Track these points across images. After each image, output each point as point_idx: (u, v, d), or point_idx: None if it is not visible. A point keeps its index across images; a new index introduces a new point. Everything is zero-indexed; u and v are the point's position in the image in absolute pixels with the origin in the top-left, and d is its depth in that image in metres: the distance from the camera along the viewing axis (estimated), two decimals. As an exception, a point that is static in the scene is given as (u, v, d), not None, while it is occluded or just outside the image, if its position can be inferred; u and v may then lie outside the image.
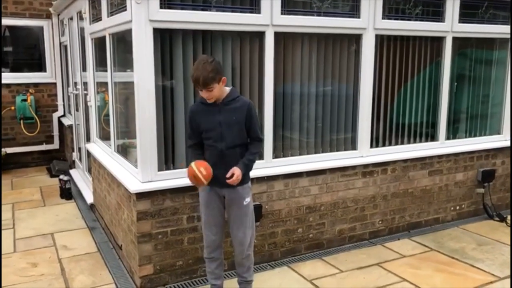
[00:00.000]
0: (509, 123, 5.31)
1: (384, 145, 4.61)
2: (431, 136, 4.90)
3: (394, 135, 4.68)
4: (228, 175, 2.97)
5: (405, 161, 4.59)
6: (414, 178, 4.68)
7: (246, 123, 3.06)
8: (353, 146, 4.41)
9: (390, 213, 4.60)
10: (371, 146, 4.47)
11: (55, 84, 7.57)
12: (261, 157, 3.96)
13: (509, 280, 3.75)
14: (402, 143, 4.72)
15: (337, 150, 4.35)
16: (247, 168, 3.10)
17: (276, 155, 4.03)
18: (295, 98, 4.13)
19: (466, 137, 5.15)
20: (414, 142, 4.79)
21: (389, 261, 4.09)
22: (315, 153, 4.24)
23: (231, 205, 3.14)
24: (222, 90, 3.00)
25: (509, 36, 5.12)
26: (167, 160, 3.67)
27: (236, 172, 2.98)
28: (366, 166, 4.37)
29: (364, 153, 4.41)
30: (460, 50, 4.98)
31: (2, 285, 3.64)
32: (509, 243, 4.48)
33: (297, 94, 4.12)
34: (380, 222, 4.56)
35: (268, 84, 3.88)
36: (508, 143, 5.26)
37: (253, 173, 3.80)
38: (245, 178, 3.10)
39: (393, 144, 4.66)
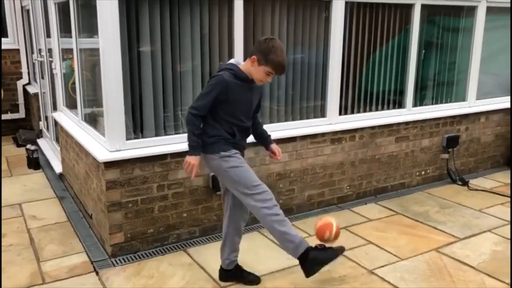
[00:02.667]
0: (474, 90, 5.45)
1: (352, 112, 4.67)
2: (399, 103, 4.99)
3: (363, 103, 4.75)
4: (277, 153, 3.20)
5: (372, 128, 4.68)
6: (381, 145, 4.79)
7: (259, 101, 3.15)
8: (323, 114, 4.46)
9: (357, 178, 4.72)
10: (340, 114, 4.53)
11: (18, 50, 7.29)
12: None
13: (468, 240, 3.94)
14: (370, 110, 4.79)
15: (307, 118, 4.39)
16: None
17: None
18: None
19: (432, 104, 5.27)
20: (382, 109, 4.87)
21: (356, 224, 4.23)
22: (285, 121, 4.28)
23: None
24: None
25: (476, 4, 5.19)
26: (135, 129, 3.63)
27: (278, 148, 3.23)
28: (335, 133, 4.44)
29: (333, 121, 4.47)
30: (429, 18, 5.02)
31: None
32: (471, 205, 4.68)
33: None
34: (348, 187, 4.68)
35: (238, 50, 3.84)
36: (471, 110, 5.41)
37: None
38: None
39: (362, 112, 4.73)
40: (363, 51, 4.64)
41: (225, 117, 2.89)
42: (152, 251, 3.68)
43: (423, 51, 5.09)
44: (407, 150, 5.00)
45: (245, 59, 3.84)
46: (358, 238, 3.96)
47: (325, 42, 4.34)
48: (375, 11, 4.60)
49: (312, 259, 2.99)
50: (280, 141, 4.10)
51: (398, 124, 4.85)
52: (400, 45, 4.87)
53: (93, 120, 4.18)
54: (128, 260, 3.54)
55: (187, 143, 2.86)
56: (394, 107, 4.95)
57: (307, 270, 3.02)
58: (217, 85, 2.81)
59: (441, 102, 5.35)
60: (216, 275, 3.31)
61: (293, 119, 4.33)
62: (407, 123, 4.91)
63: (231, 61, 2.97)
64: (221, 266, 3.28)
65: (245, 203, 2.98)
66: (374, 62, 4.76)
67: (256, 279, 3.27)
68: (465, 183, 5.26)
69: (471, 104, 5.47)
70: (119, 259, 3.54)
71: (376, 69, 4.78)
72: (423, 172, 5.21)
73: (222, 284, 3.25)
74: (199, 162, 2.87)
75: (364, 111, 4.75)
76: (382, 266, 3.51)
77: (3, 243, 3.81)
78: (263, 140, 3.25)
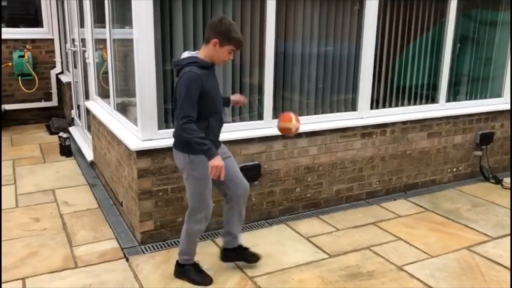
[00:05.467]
0: (509, 86, 5.29)
1: (384, 106, 4.60)
2: (432, 98, 4.89)
3: (395, 97, 4.67)
4: (240, 99, 3.25)
5: (404, 123, 4.59)
6: (412, 140, 4.70)
7: None
8: (353, 107, 4.41)
9: (387, 174, 4.66)
10: (371, 108, 4.46)
11: (52, 40, 7.44)
12: (260, 117, 3.98)
13: (502, 240, 3.84)
14: (402, 105, 4.71)
15: (337, 111, 4.35)
16: None
17: (275, 115, 4.02)
18: (296, 58, 4.09)
19: (466, 99, 5.14)
20: (415, 104, 4.78)
21: (385, 220, 4.18)
22: (315, 114, 4.24)
23: (229, 157, 3.12)
24: None
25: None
26: (167, 119, 3.67)
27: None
28: (365, 127, 4.38)
29: (364, 115, 4.41)
30: (465, 11, 4.89)
31: (8, 238, 3.72)
32: (504, 205, 4.56)
33: (298, 54, 4.08)
34: (377, 182, 4.62)
35: (269, 43, 3.82)
36: (508, 106, 5.25)
37: (252, 133, 3.84)
38: None
39: (393, 106, 4.66)
40: (396, 44, 4.56)
41: (203, 111, 2.81)
42: (181, 240, 3.72)
43: (458, 45, 4.96)
44: (439, 146, 4.90)
45: (276, 53, 3.90)
46: (387, 234, 3.92)
47: (357, 35, 4.28)
48: (410, 4, 4.50)
49: (185, 271, 3.18)
50: (309, 134, 4.09)
51: (431, 119, 4.75)
52: (435, 39, 4.75)
53: (124, 109, 4.24)
54: (157, 248, 3.59)
55: (199, 151, 2.78)
56: (427, 102, 4.85)
57: (177, 272, 3.22)
58: (194, 83, 2.73)
59: (476, 98, 5.21)
60: (246, 266, 3.33)
61: (323, 112, 4.29)
62: (440, 118, 4.80)
63: (187, 54, 2.91)
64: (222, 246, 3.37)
65: (186, 214, 3.09)
66: (407, 56, 4.67)
67: (254, 257, 3.33)
68: (498, 182, 5.12)
69: (507, 101, 5.31)
70: (149, 247, 3.60)
71: (410, 62, 4.69)
72: (454, 169, 5.10)
73: (250, 274, 3.26)
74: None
75: (396, 105, 4.67)
76: (411, 263, 3.46)
77: (37, 227, 3.93)
78: (225, 101, 3.19)
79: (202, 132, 2.77)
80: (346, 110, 4.39)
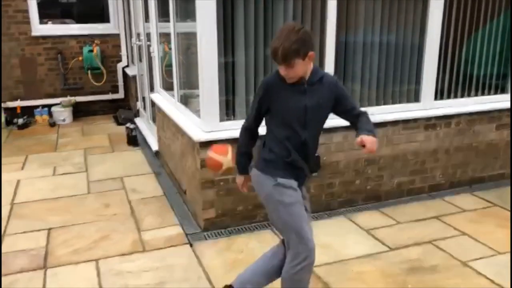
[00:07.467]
0: None
1: (449, 97, 4.44)
2: (501, 88, 4.66)
3: (461, 87, 4.50)
4: (363, 143, 2.29)
5: (470, 114, 4.41)
6: (479, 132, 4.51)
7: (336, 104, 2.45)
8: (416, 98, 4.29)
9: (451, 167, 4.50)
10: (435, 99, 4.33)
11: (118, 35, 7.79)
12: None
13: None
14: (469, 95, 4.53)
15: (399, 102, 4.26)
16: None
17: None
18: (357, 48, 4.04)
19: (540, 89, 4.85)
20: (482, 94, 4.58)
21: (449, 214, 4.06)
22: (377, 105, 4.18)
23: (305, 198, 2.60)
24: (307, 67, 2.31)
25: None
26: (228, 112, 3.77)
27: (370, 138, 2.30)
28: (429, 119, 4.26)
29: (428, 106, 4.28)
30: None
31: (81, 222, 4.00)
32: None
33: (359, 43, 4.03)
34: (440, 176, 4.49)
35: (330, 32, 3.80)
36: None
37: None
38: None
39: (459, 97, 4.49)
40: (463, 31, 4.37)
41: (275, 127, 2.41)
42: (241, 228, 3.82)
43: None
44: (508, 138, 4.66)
45: (337, 43, 3.87)
46: (451, 229, 3.81)
47: (422, 22, 4.15)
48: (479, -11, 4.31)
49: None
50: (370, 125, 4.03)
51: (500, 110, 4.53)
52: (506, 26, 4.51)
53: (187, 101, 4.39)
54: (219, 235, 3.72)
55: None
56: (495, 92, 4.63)
57: None
58: (261, 89, 2.39)
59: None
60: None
61: (384, 104, 4.22)
62: (509, 110, 4.57)
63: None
64: None
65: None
66: (475, 43, 4.47)
67: None
68: None
69: None
70: (211, 233, 3.73)
71: (477, 50, 4.49)
72: (525, 163, 4.84)
73: (309, 264, 3.30)
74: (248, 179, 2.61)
75: (462, 96, 4.50)
76: (477, 259, 3.35)
77: (108, 212, 4.18)
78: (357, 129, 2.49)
79: (247, 147, 2.56)
80: (408, 101, 4.28)
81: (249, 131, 2.50)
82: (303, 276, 2.52)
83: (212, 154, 2.53)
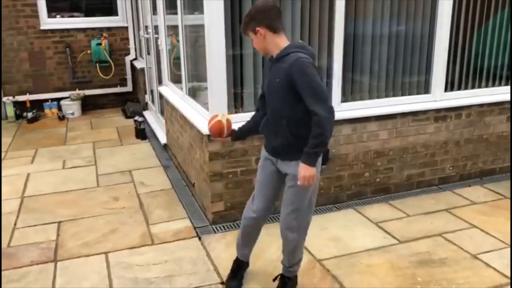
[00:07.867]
0: None
1: (459, 89, 4.39)
2: (513, 79, 4.59)
3: (471, 78, 4.44)
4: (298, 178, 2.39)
5: (481, 105, 4.36)
6: (490, 124, 4.46)
7: (293, 88, 2.31)
8: (426, 90, 4.25)
9: (462, 159, 4.46)
10: (446, 90, 4.28)
11: (126, 28, 7.79)
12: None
13: None
14: (480, 86, 4.47)
15: (408, 94, 4.21)
16: (313, 157, 2.34)
17: (344, 99, 3.98)
18: (366, 39, 3.99)
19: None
20: (493, 85, 4.52)
21: (459, 207, 4.03)
22: (386, 97, 4.14)
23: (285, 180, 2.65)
24: (266, 43, 2.38)
25: None
26: (236, 104, 3.75)
27: (301, 172, 2.34)
28: (439, 110, 4.22)
29: (438, 97, 4.24)
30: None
31: (91, 215, 4.03)
32: None
33: (368, 34, 3.98)
34: (451, 168, 4.45)
35: (338, 23, 3.76)
36: None
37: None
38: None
39: (469, 88, 4.43)
40: (474, 22, 4.31)
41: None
42: (250, 221, 3.82)
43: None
44: (520, 130, 4.61)
45: (345, 34, 3.80)
46: (461, 221, 3.78)
47: (431, 12, 4.09)
48: (490, -22, 4.23)
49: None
50: (379, 117, 4.01)
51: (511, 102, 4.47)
52: (518, 15, 4.44)
53: (195, 93, 4.38)
54: (228, 228, 3.73)
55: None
56: (506, 83, 4.56)
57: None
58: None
59: None
60: (314, 249, 3.36)
61: (393, 95, 4.18)
62: (510, 102, 4.50)
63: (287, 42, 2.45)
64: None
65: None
66: (485, 34, 4.40)
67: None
68: None
69: None
70: (219, 227, 3.74)
71: (488, 41, 4.42)
72: (537, 155, 4.78)
73: (318, 257, 3.30)
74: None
75: (473, 87, 4.44)
76: (487, 252, 3.33)
77: (117, 206, 4.20)
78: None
79: (247, 122, 2.85)
80: (418, 93, 4.24)
81: (257, 111, 2.77)
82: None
83: (209, 126, 2.79)
